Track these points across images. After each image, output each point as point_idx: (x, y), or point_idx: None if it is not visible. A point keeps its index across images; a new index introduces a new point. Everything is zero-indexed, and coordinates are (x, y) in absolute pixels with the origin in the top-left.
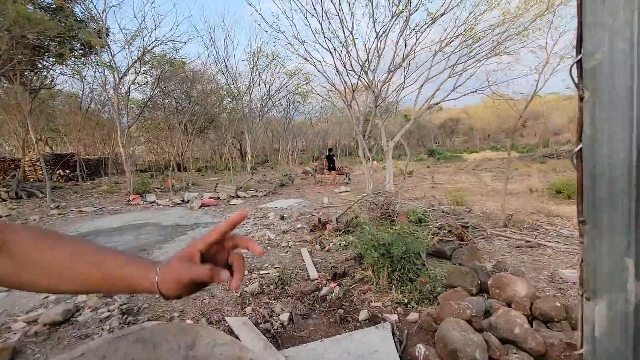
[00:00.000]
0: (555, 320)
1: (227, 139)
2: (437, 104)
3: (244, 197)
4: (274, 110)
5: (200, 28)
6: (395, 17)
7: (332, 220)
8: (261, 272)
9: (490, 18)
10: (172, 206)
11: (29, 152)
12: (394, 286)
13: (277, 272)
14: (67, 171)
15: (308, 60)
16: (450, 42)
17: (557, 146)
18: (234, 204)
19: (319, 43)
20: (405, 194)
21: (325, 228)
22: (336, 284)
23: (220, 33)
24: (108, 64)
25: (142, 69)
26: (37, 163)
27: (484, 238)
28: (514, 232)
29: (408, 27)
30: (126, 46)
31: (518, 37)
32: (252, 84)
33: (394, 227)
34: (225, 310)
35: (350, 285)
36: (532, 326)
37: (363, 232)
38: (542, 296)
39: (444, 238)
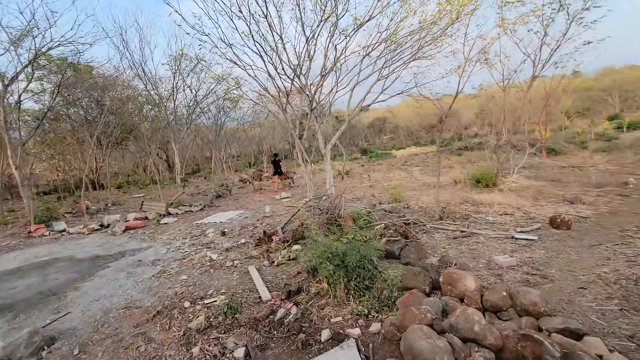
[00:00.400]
0: (504, 309)
1: (150, 150)
2: (368, 106)
3: (177, 213)
4: (202, 116)
5: (108, 28)
6: (323, 22)
7: (278, 230)
8: (206, 301)
9: (409, 25)
10: (88, 233)
11: None
12: (351, 297)
13: (225, 298)
14: None
15: (237, 64)
16: (376, 47)
17: (469, 139)
18: (166, 223)
19: (248, 47)
20: (347, 196)
21: (272, 240)
22: (292, 303)
23: (134, 34)
24: None
25: (35, 75)
26: None
27: (425, 232)
28: (450, 224)
29: (337, 31)
30: (12, 48)
31: (434, 43)
32: (175, 89)
33: (345, 235)
34: (167, 357)
35: (307, 302)
36: (484, 317)
37: (315, 243)
38: (489, 287)
39: (391, 238)
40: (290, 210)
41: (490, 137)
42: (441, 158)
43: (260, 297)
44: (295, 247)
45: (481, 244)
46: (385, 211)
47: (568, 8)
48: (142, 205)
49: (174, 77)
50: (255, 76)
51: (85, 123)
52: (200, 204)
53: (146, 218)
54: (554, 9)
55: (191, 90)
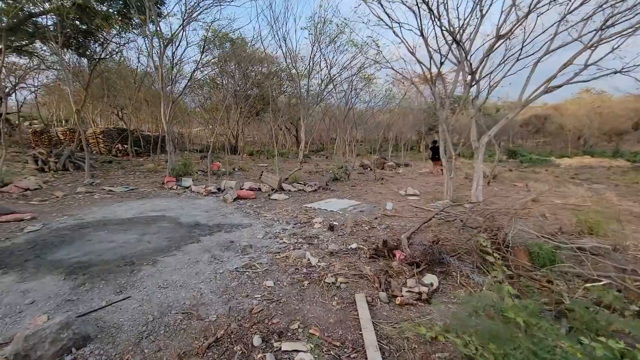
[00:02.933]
0: None
1: (281, 123)
2: (559, 86)
3: (289, 190)
4: (333, 96)
5: None
6: None
7: (402, 242)
8: (284, 346)
9: None
10: (205, 195)
11: (93, 125)
12: None
13: (314, 353)
14: (126, 146)
15: (384, 21)
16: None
17: None
18: (275, 200)
19: (402, 1)
20: (496, 206)
21: (394, 256)
22: None
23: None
24: (153, 33)
25: (204, 46)
26: (100, 136)
27: None
28: None
29: None
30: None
31: None
32: (312, 63)
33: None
34: None
35: None
36: None
37: (492, 325)
38: None
39: None
40: (419, 214)
41: None
42: (637, 176)
43: None
44: (430, 277)
45: None
46: (587, 252)
47: None
48: (261, 175)
49: (312, 48)
50: (403, 37)
51: (234, 93)
52: (314, 185)
53: (259, 189)
54: None
55: (327, 63)
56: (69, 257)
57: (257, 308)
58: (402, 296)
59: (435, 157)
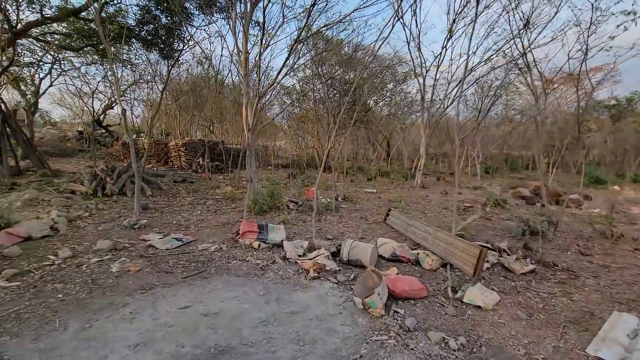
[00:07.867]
0: None
1: (379, 136)
2: None
3: (482, 271)
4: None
5: None
6: None
7: None
8: None
9: None
10: (312, 277)
11: (177, 137)
12: None
13: None
14: (207, 161)
15: None
16: None
17: None
18: (480, 308)
19: None
20: None
21: None
22: None
23: None
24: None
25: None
26: (182, 149)
27: None
28: None
29: None
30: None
31: None
32: (447, 41)
33: None
34: None
35: None
36: None
37: None
38: None
39: None
40: None
41: None
42: None
43: None
44: None
45: None
46: None
47: None
48: (387, 215)
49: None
50: None
51: (326, 99)
52: (523, 258)
53: (416, 261)
54: None
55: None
56: None
57: None
58: None
59: None
